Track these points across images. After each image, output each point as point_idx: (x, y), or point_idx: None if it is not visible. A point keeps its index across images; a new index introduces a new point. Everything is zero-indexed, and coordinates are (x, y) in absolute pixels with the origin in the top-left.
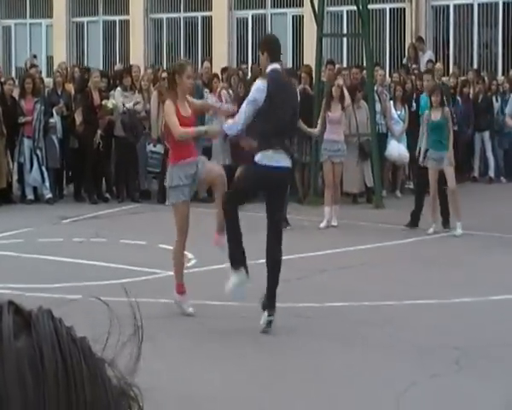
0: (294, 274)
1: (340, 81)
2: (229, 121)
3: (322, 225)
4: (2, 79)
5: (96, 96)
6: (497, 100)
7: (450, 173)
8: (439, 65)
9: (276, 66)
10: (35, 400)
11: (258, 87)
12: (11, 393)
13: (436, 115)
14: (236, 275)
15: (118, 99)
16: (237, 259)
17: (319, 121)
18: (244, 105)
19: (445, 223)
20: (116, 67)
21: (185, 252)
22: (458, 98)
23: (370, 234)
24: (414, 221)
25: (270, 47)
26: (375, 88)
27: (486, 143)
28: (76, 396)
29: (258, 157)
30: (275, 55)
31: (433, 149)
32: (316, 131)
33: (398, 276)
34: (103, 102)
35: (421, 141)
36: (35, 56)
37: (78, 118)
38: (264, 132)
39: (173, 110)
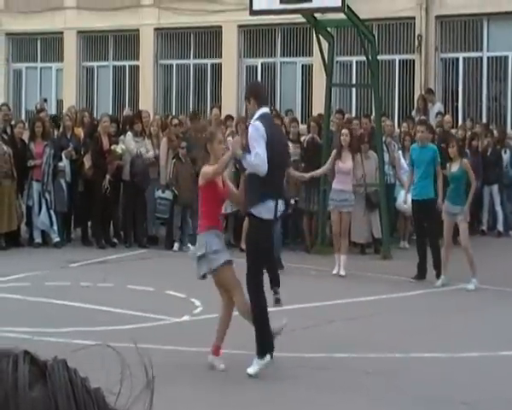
0: (301, 324)
1: (345, 132)
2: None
3: (335, 271)
4: (13, 122)
5: (105, 140)
6: (505, 153)
7: (463, 230)
8: (448, 117)
9: (265, 109)
10: None
11: (257, 127)
12: None
13: (455, 167)
14: (261, 363)
15: (130, 144)
16: (265, 346)
17: (326, 165)
18: (257, 147)
19: (439, 275)
20: (125, 112)
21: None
22: (467, 151)
23: (378, 285)
24: (421, 273)
25: (256, 93)
26: (384, 139)
27: (495, 197)
28: None
29: (259, 211)
30: (262, 100)
31: (448, 202)
32: (315, 172)
33: (404, 328)
34: (112, 147)
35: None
36: (45, 100)
37: (88, 162)
38: (264, 182)
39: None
